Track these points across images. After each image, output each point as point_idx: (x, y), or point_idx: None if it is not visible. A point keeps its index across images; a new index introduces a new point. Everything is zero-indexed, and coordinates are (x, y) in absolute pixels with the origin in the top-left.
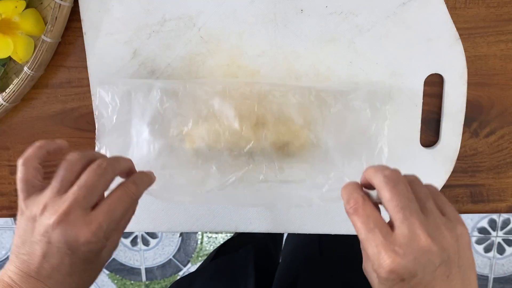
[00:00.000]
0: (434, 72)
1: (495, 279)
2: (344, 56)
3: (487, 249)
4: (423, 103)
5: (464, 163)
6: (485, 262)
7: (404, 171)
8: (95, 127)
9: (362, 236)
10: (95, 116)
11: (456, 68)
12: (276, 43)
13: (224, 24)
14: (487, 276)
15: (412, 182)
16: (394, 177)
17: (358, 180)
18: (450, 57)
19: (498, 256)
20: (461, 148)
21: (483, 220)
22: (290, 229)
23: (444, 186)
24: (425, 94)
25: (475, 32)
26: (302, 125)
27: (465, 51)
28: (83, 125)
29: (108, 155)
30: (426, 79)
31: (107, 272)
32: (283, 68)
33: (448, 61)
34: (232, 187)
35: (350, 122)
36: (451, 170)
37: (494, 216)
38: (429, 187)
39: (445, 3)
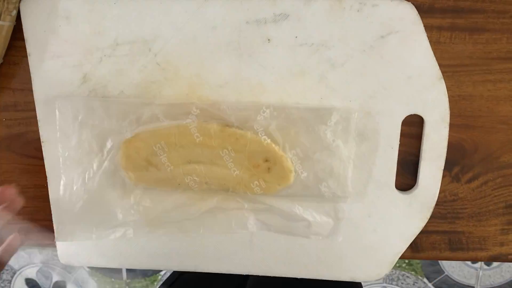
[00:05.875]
0: (413, 113)
1: None
2: (314, 91)
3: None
4: (400, 144)
5: (443, 209)
6: (471, 273)
7: (377, 216)
8: (43, 154)
9: None
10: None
11: (438, 109)
12: (240, 74)
13: (183, 51)
14: (473, 287)
15: None
16: None
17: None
18: (431, 97)
19: (485, 267)
20: (440, 192)
21: None
22: (253, 271)
23: (420, 232)
24: (402, 135)
25: (460, 70)
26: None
27: (448, 90)
28: (31, 151)
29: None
30: (404, 119)
31: (87, 269)
32: (248, 101)
33: (429, 101)
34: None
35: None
36: (428, 217)
37: None
38: None
39: (428, 38)
